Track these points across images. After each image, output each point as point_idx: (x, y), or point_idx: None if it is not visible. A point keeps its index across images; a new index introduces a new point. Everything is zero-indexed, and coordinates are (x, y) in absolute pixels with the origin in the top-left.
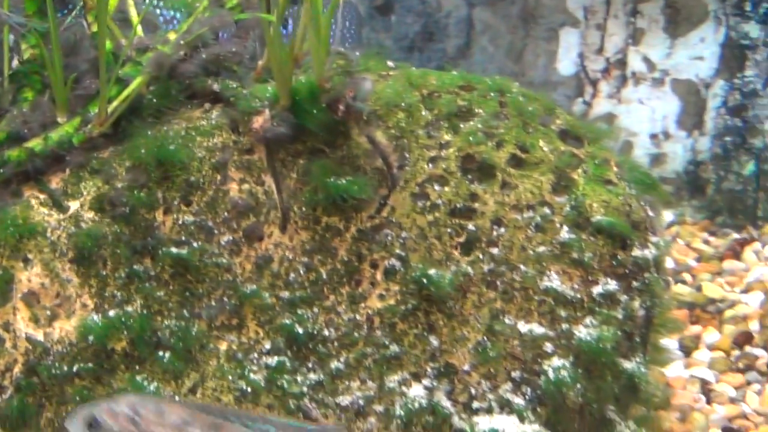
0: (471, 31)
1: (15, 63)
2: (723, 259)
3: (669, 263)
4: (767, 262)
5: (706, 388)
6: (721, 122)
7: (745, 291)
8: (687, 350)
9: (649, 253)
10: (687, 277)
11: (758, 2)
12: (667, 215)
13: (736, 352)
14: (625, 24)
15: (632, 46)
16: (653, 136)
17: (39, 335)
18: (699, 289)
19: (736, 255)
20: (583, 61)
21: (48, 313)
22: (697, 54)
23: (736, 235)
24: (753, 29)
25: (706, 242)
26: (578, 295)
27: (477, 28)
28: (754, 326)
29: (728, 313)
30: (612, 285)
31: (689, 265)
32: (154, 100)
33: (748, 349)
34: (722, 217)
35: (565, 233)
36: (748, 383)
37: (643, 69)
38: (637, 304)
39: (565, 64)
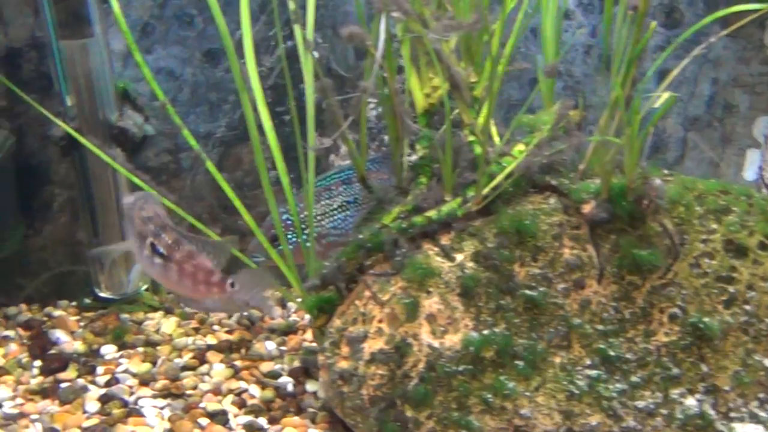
0: (684, 147)
1: (413, 157)
2: None
3: None
4: None
5: None
6: None
7: None
8: None
9: None
10: None
11: None
12: None
13: None
14: None
15: None
16: None
17: (436, 344)
18: None
19: None
20: (761, 171)
21: (442, 329)
22: None
23: None
24: None
25: None
26: None
27: (689, 144)
28: None
29: None
30: None
31: None
32: (510, 189)
33: None
34: None
35: None
36: None
37: None
38: None
39: (749, 173)
